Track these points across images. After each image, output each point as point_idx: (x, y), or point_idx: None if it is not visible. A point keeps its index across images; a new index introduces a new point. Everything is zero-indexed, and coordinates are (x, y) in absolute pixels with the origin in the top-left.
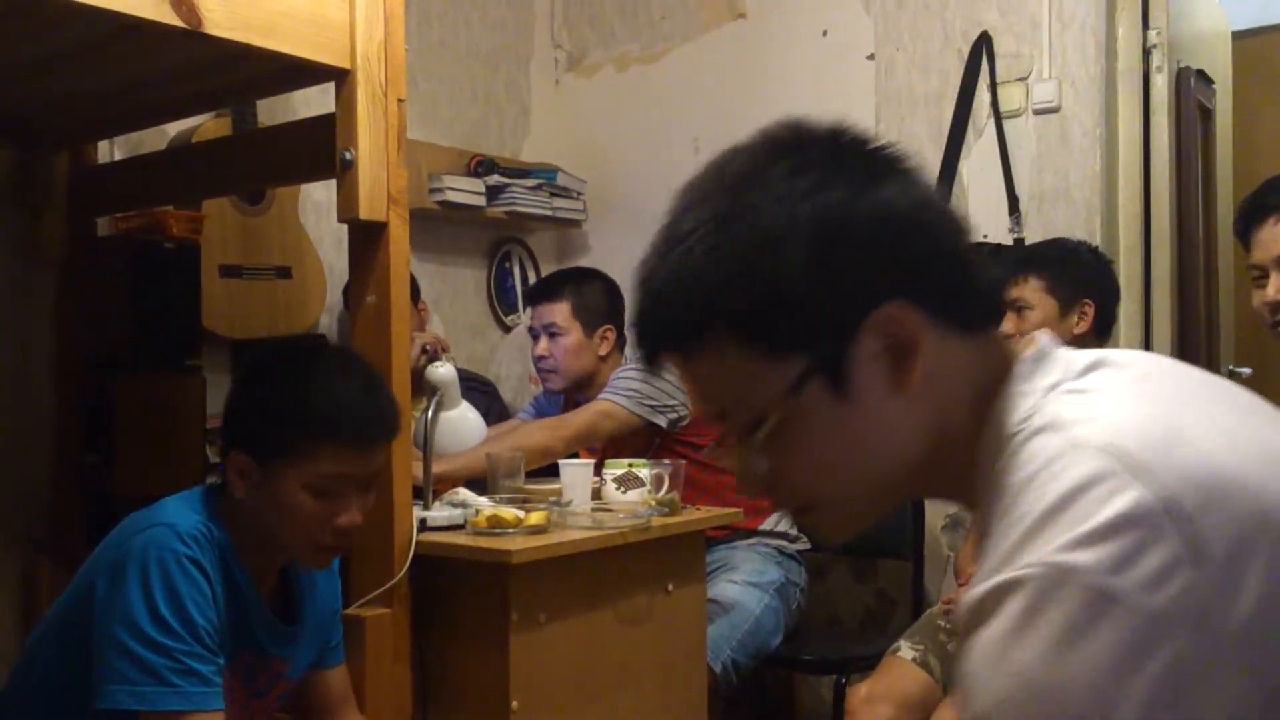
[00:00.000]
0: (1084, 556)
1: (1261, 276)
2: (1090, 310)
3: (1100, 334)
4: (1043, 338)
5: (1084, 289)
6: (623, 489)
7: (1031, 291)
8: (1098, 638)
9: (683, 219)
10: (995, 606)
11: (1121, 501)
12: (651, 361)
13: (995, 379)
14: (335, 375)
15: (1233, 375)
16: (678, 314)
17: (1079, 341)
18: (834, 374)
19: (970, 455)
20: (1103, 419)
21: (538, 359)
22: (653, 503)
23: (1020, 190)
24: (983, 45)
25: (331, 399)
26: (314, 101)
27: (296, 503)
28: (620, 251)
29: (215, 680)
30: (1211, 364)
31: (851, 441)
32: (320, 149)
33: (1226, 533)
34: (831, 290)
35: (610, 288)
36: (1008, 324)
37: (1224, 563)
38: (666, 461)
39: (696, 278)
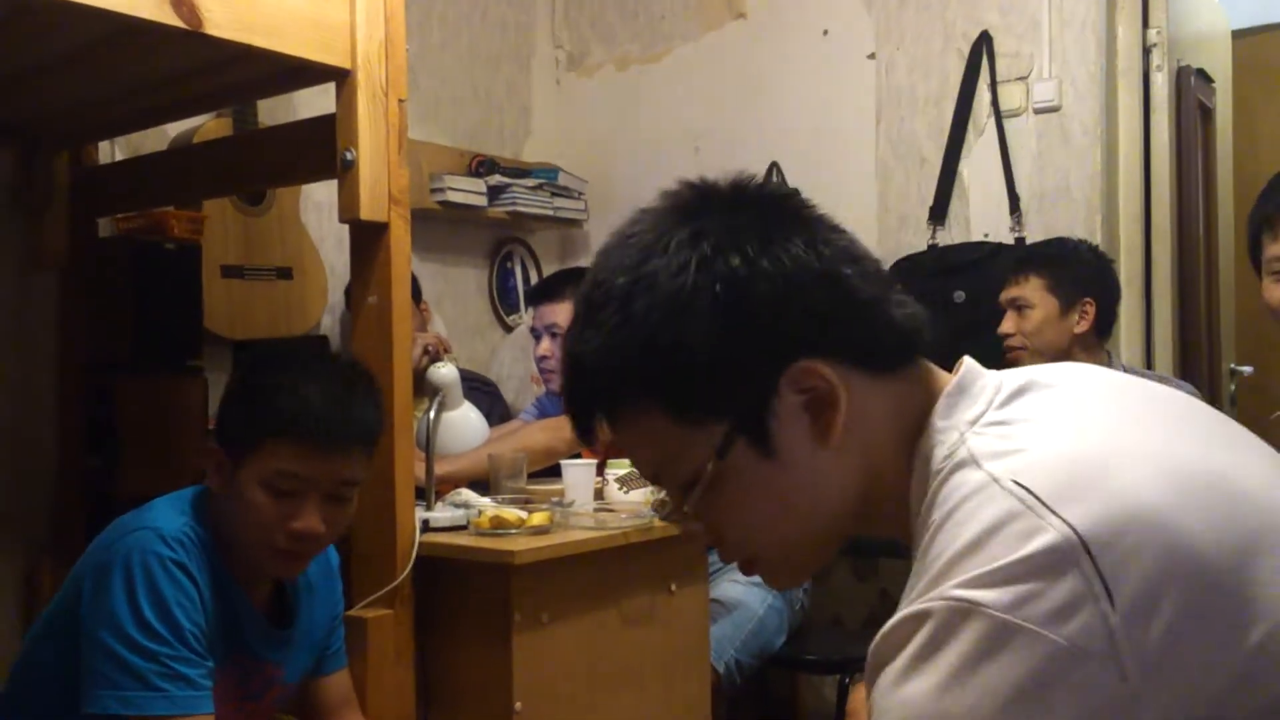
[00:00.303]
0: (988, 594)
1: None
2: (1091, 309)
3: (1101, 333)
4: (967, 362)
5: (1085, 288)
6: (625, 489)
7: (1032, 291)
8: (995, 670)
9: (594, 291)
10: (900, 640)
11: (1032, 543)
12: (584, 432)
13: (922, 413)
14: (309, 374)
15: (1234, 374)
16: (598, 387)
17: (1080, 340)
18: (756, 434)
19: (904, 494)
20: (1020, 453)
21: (540, 359)
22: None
23: (1021, 189)
24: (983, 45)
25: (295, 395)
26: (315, 102)
27: (253, 500)
28: None
29: (203, 684)
30: (1213, 362)
31: (783, 497)
32: (321, 149)
33: (1138, 569)
34: (740, 354)
35: None
36: (1009, 323)
37: (1134, 598)
38: None
39: (610, 352)
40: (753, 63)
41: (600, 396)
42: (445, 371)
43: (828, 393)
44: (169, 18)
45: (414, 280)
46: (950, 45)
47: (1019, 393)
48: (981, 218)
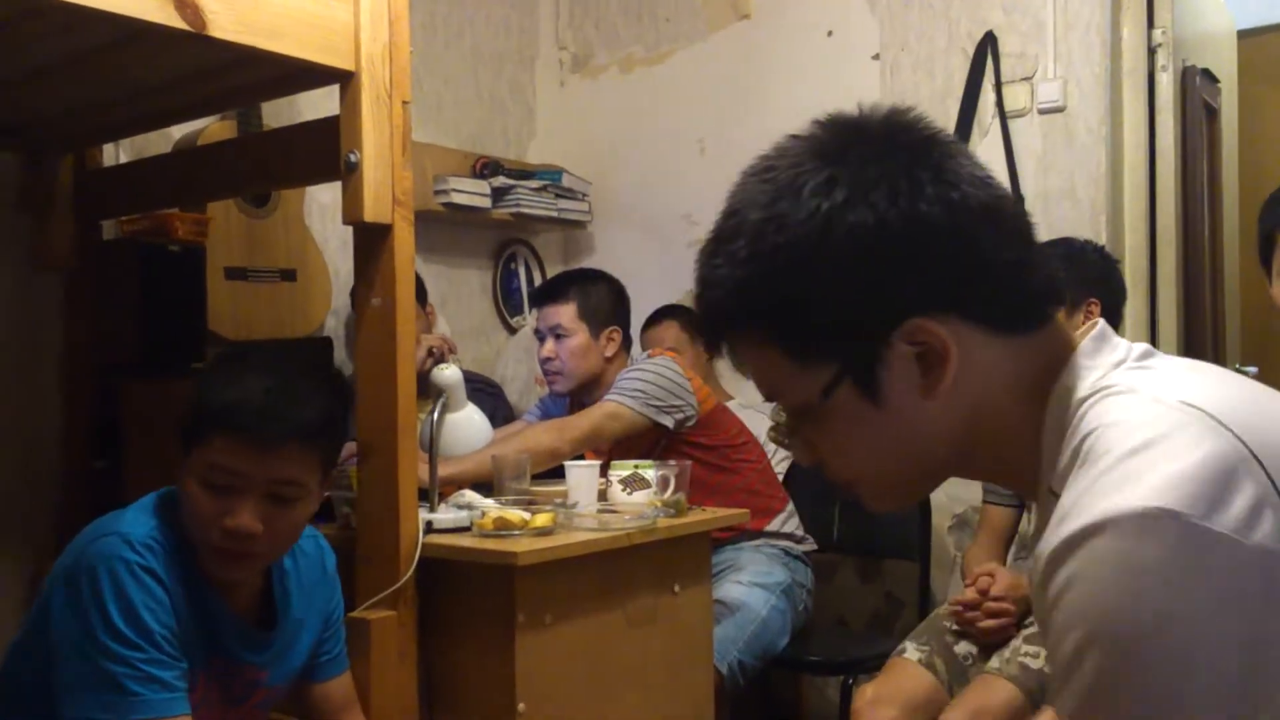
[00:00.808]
0: (1176, 498)
1: None
2: (1096, 309)
3: None
4: (1103, 321)
5: (1090, 288)
6: (629, 490)
7: None
8: (1202, 576)
9: (729, 220)
10: (1089, 549)
11: (1202, 448)
12: (711, 347)
13: (1051, 366)
14: (251, 368)
15: (1239, 374)
16: (722, 312)
17: None
18: (864, 381)
19: (1020, 443)
20: (1173, 385)
21: (543, 361)
22: (659, 504)
23: (1025, 190)
24: (988, 45)
25: (234, 388)
26: (319, 104)
27: (192, 495)
28: (626, 252)
29: (179, 685)
30: (1218, 362)
31: (883, 440)
32: (325, 151)
33: None
34: (859, 304)
35: (616, 289)
36: None
37: None
38: (672, 462)
39: (736, 285)
40: (757, 64)
41: (721, 321)
42: (449, 373)
43: (940, 348)
44: (173, 20)
45: (419, 282)
46: (954, 45)
47: (1149, 354)
48: None
